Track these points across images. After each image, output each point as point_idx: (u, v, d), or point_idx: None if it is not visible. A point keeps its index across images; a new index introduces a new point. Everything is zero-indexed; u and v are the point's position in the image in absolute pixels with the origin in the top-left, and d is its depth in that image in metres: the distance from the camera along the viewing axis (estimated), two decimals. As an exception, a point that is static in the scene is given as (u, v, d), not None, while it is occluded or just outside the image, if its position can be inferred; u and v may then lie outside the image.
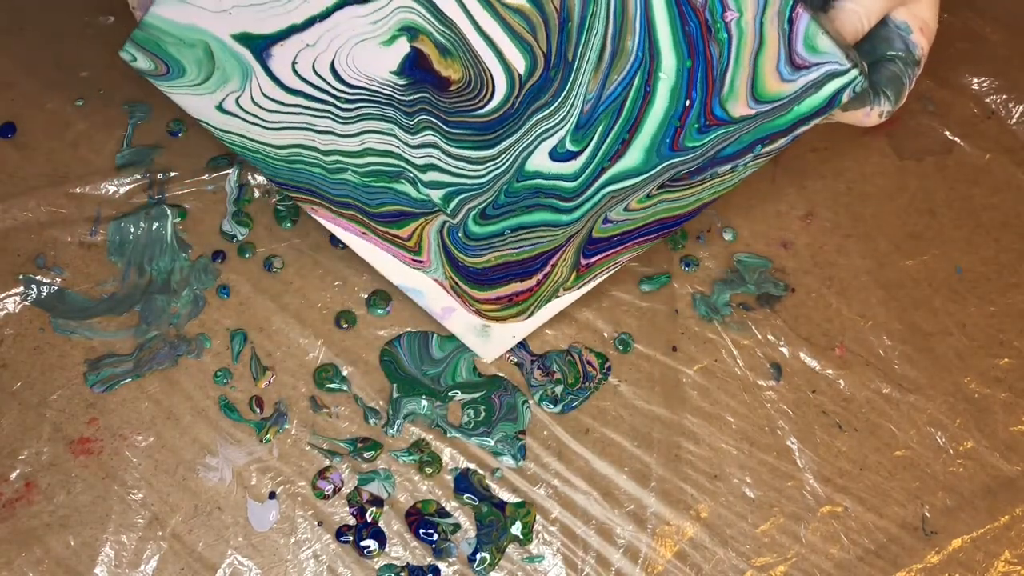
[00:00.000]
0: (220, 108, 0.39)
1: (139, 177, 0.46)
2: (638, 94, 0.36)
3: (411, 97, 0.38)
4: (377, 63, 0.37)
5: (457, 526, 0.42)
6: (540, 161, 0.39)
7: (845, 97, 0.35)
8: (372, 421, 0.44)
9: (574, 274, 0.42)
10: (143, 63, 0.37)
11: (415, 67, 0.37)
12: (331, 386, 0.44)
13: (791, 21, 0.33)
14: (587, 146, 0.38)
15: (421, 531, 0.42)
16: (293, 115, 0.39)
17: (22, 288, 0.44)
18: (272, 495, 0.42)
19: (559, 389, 0.44)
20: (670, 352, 0.45)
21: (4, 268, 0.44)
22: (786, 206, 0.48)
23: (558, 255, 0.41)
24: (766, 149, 0.37)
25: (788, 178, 0.48)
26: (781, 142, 0.37)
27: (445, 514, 0.43)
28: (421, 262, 0.42)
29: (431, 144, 0.39)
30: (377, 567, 0.42)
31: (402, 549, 0.42)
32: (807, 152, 0.49)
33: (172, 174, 0.46)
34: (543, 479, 0.43)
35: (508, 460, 0.43)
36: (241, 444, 0.43)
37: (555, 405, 0.44)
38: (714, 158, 0.38)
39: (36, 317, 0.44)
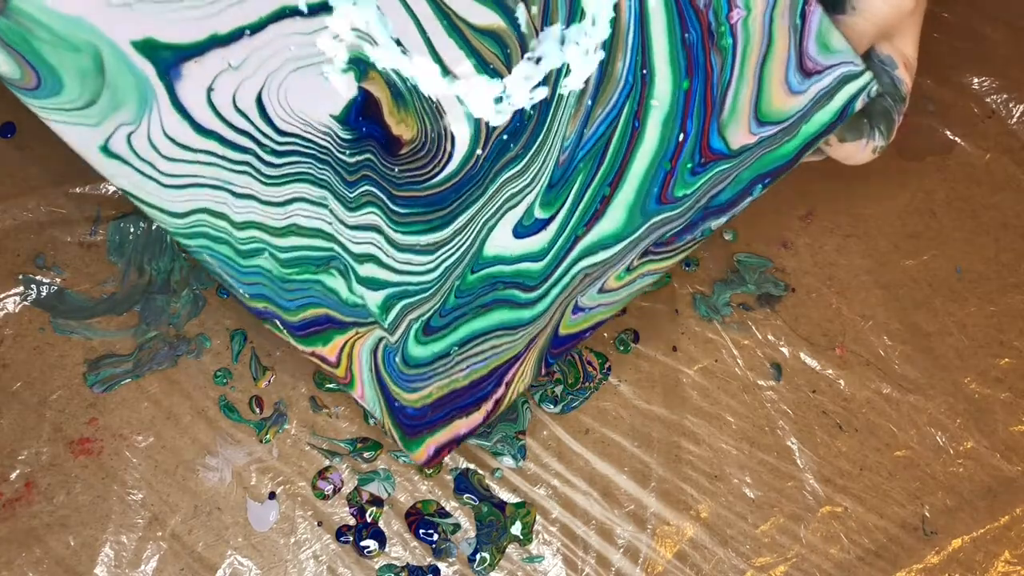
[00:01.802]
0: (105, 148, 0.29)
1: (139, 177, 0.46)
2: (625, 130, 0.30)
3: (354, 159, 0.30)
4: (316, 103, 0.29)
5: (457, 526, 0.42)
6: (502, 240, 0.32)
7: (859, 104, 0.31)
8: (372, 421, 0.44)
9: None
10: (5, 66, 0.27)
11: (362, 116, 0.29)
12: (331, 386, 0.44)
13: (803, 16, 0.29)
14: (560, 209, 0.31)
15: (421, 531, 0.42)
16: (202, 165, 0.30)
17: (22, 288, 0.44)
18: (272, 495, 0.42)
19: (559, 389, 0.44)
20: (670, 352, 0.45)
21: (4, 268, 0.44)
22: (786, 206, 0.48)
23: (515, 368, 0.35)
24: (765, 190, 0.33)
25: (788, 178, 0.48)
26: (780, 178, 0.33)
27: (445, 514, 0.43)
28: (356, 396, 0.34)
29: (373, 227, 0.31)
30: (377, 567, 0.42)
31: (402, 549, 0.42)
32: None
33: (172, 174, 0.46)
34: (543, 479, 0.43)
35: (508, 460, 0.43)
36: (241, 444, 0.43)
37: (555, 405, 0.44)
38: (707, 207, 0.32)
39: (36, 317, 0.44)
